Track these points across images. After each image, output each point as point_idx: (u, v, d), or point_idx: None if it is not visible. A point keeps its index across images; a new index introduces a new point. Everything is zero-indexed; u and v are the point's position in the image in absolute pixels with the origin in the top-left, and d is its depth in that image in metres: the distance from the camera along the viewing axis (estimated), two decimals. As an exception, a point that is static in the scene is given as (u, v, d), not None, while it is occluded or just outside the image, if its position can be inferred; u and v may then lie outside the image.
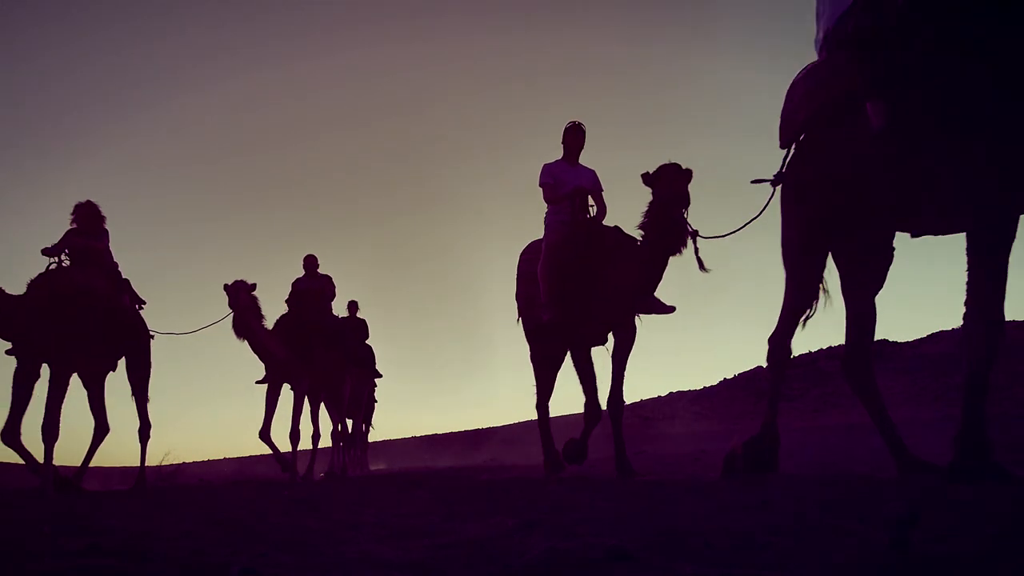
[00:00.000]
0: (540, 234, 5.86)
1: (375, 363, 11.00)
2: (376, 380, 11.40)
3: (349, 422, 10.39)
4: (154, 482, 7.95)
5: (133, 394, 6.97)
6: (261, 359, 7.72)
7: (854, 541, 1.73)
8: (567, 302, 5.42)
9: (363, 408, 11.12)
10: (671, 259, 4.87)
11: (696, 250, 4.68)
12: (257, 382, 7.90)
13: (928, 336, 23.53)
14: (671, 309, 5.14)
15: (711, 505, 2.74)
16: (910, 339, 23.35)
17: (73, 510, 3.84)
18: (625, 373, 5.38)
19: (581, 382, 5.62)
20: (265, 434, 7.91)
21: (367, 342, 10.79)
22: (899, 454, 3.78)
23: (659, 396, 26.06)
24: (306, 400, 8.38)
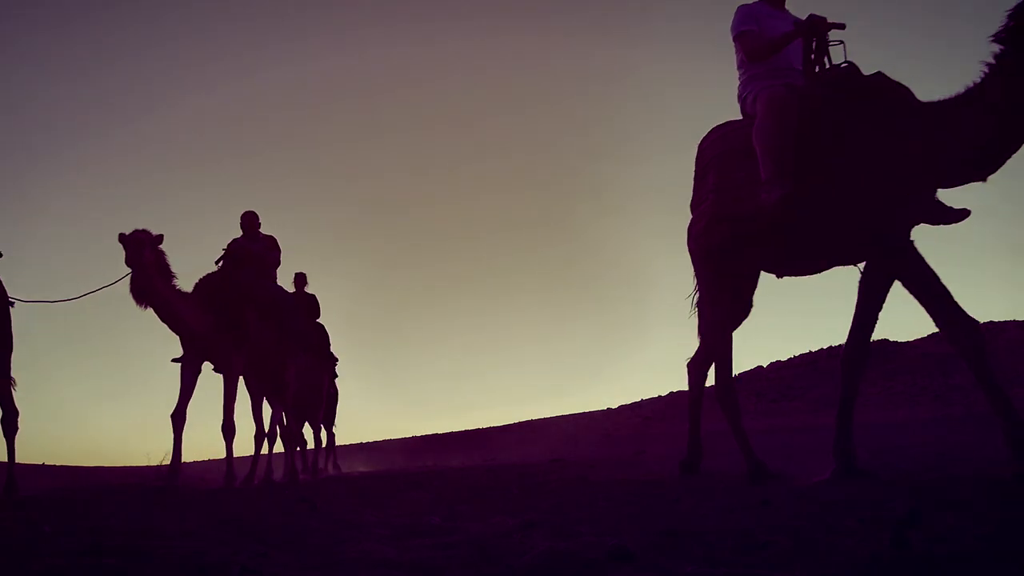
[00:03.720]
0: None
1: (329, 345, 9.16)
2: (336, 369, 9.58)
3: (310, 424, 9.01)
4: (154, 482, 7.94)
5: None
6: (174, 330, 6.03)
7: (854, 541, 1.73)
8: (810, 175, 3.59)
9: (323, 402, 9.23)
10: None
11: None
12: (173, 360, 6.26)
13: (928, 336, 23.53)
14: (963, 214, 3.43)
15: (711, 505, 2.74)
16: (910, 339, 23.36)
17: (73, 510, 3.84)
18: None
19: (858, 317, 3.66)
20: (179, 418, 6.11)
21: (319, 321, 9.11)
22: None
23: (659, 396, 26.08)
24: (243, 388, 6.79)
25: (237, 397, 6.60)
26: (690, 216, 4.40)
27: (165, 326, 6.08)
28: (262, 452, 7.57)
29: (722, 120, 4.28)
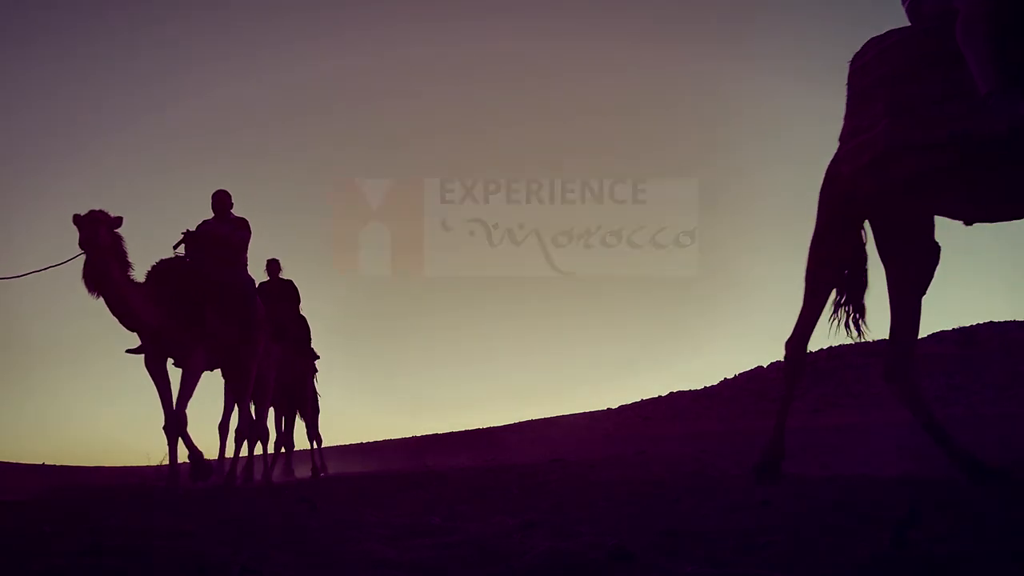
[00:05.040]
0: None
1: (310, 340, 8.50)
2: (316, 365, 8.92)
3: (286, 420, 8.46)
4: (154, 482, 7.94)
5: None
6: (125, 324, 5.48)
7: (854, 541, 1.73)
8: None
9: (309, 400, 8.75)
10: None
11: None
12: (128, 351, 5.72)
13: (928, 336, 23.56)
14: None
15: (711, 505, 2.74)
16: (910, 339, 23.34)
17: (73, 510, 3.84)
18: None
19: None
20: (174, 428, 5.70)
21: (302, 314, 8.40)
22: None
23: (659, 396, 26.13)
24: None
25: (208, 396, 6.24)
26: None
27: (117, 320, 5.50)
28: (269, 452, 7.56)
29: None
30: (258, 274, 7.52)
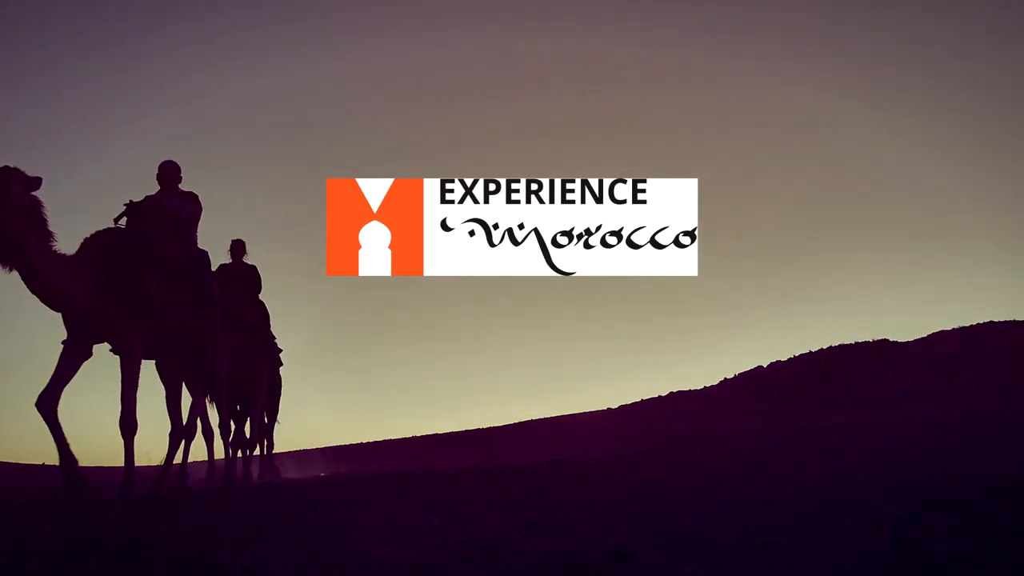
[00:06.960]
0: None
1: (268, 325, 7.58)
2: (280, 357, 8.00)
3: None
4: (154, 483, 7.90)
5: None
6: (48, 303, 4.65)
7: (854, 541, 1.73)
8: None
9: (262, 394, 7.57)
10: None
11: None
12: (64, 343, 4.85)
13: (928, 336, 23.59)
14: None
15: (711, 505, 2.74)
16: (910, 339, 23.41)
17: (73, 510, 3.84)
18: None
19: None
20: (47, 405, 4.63)
21: (260, 299, 7.54)
22: None
23: (659, 396, 26.12)
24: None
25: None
26: None
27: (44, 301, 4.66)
28: (254, 452, 7.35)
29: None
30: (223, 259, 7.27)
